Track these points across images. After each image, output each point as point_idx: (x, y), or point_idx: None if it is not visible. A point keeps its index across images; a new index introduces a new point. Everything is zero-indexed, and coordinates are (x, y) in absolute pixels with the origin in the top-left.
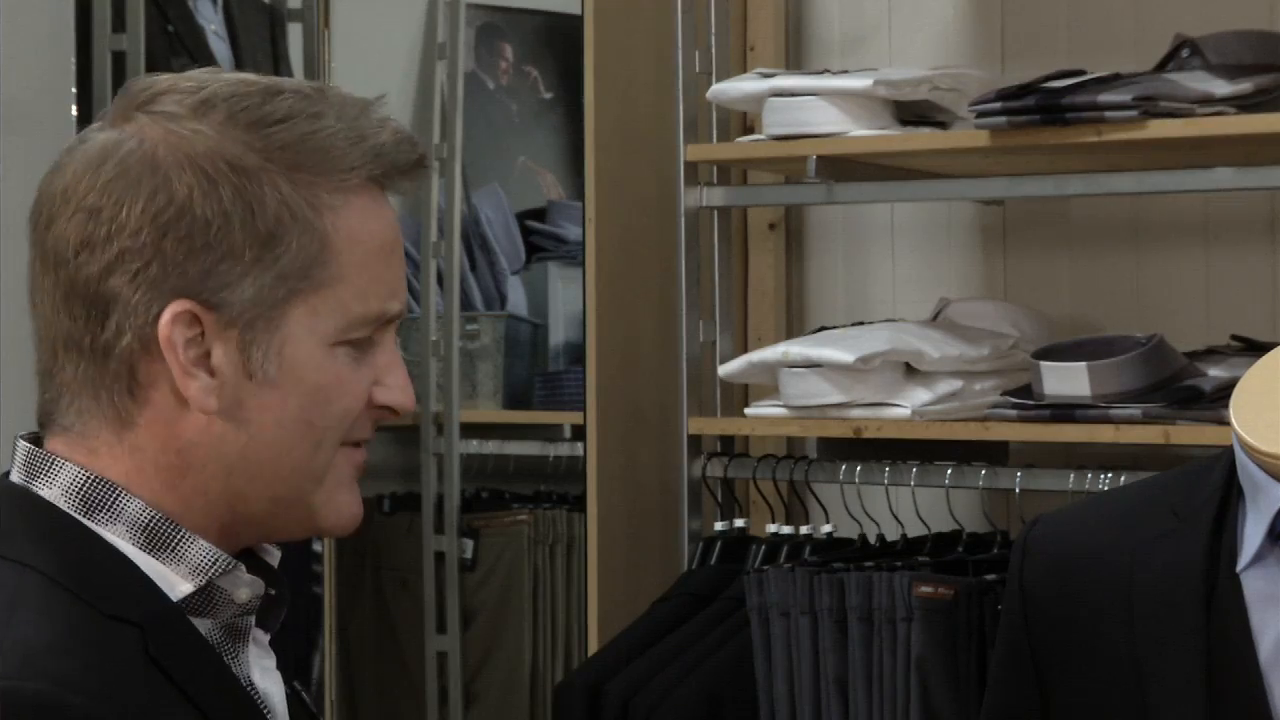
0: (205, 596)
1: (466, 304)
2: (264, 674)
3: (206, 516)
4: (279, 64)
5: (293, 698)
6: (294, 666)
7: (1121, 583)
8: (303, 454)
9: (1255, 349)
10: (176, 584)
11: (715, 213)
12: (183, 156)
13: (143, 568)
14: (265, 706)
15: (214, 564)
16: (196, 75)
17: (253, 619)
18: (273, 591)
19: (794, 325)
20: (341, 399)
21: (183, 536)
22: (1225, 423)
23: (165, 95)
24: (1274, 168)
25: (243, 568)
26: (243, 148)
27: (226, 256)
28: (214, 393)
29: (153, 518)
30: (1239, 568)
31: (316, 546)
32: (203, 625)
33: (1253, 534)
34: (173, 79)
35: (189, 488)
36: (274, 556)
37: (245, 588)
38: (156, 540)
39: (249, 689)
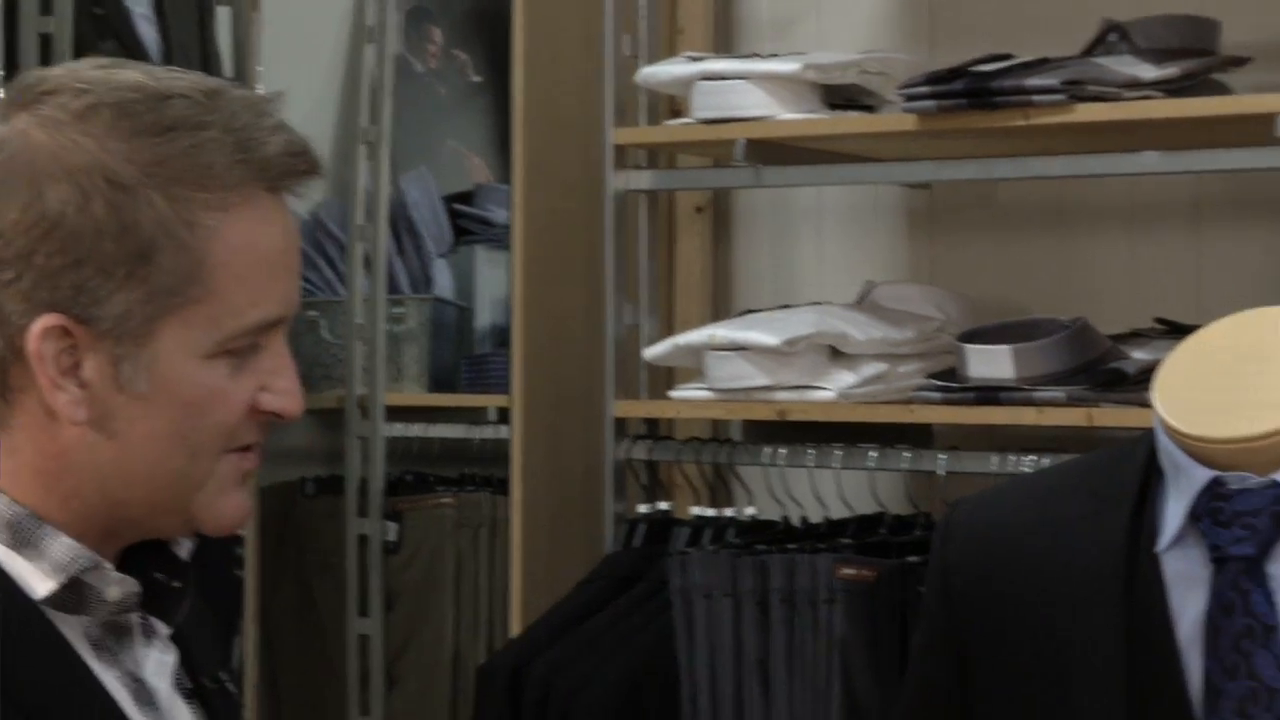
0: (76, 594)
1: (393, 287)
2: (159, 669)
3: (85, 519)
4: (207, 47)
5: (217, 691)
6: (221, 656)
7: (1042, 564)
8: (179, 464)
9: (1178, 331)
10: (41, 581)
11: (642, 196)
12: (60, 168)
13: (6, 565)
14: (151, 703)
15: (74, 561)
16: (89, 74)
17: (135, 615)
18: (177, 584)
19: (720, 308)
20: (216, 412)
21: (45, 533)
22: (1148, 405)
23: (53, 96)
24: (1199, 152)
25: (109, 566)
26: (122, 161)
27: (99, 272)
28: (82, 405)
29: (16, 514)
30: (1159, 548)
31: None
32: (80, 623)
33: (1173, 515)
34: (64, 75)
35: (65, 490)
36: (184, 548)
37: (114, 585)
38: (20, 536)
39: (138, 684)
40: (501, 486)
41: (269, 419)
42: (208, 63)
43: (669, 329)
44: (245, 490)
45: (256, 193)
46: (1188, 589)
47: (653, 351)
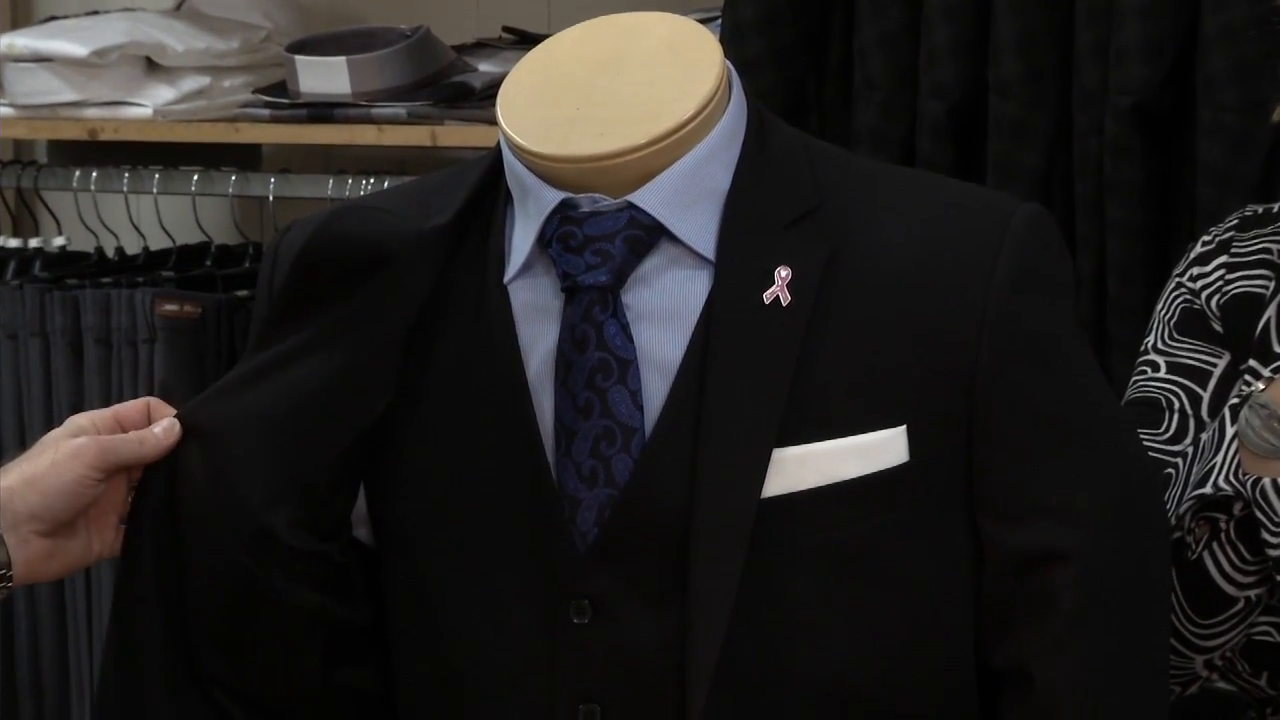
0: None
1: None
2: None
3: None
4: None
5: None
6: None
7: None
8: None
9: (528, 41)
10: None
11: None
12: None
13: None
14: None
15: None
16: None
17: None
18: None
19: (20, 14)
20: None
21: None
22: (495, 122)
23: None
24: None
25: None
26: None
27: None
28: None
29: None
30: (507, 279)
31: None
32: None
33: (521, 242)
34: None
35: None
36: None
37: None
38: None
39: None
40: None
41: None
42: None
43: None
44: None
45: None
46: (538, 322)
47: None
